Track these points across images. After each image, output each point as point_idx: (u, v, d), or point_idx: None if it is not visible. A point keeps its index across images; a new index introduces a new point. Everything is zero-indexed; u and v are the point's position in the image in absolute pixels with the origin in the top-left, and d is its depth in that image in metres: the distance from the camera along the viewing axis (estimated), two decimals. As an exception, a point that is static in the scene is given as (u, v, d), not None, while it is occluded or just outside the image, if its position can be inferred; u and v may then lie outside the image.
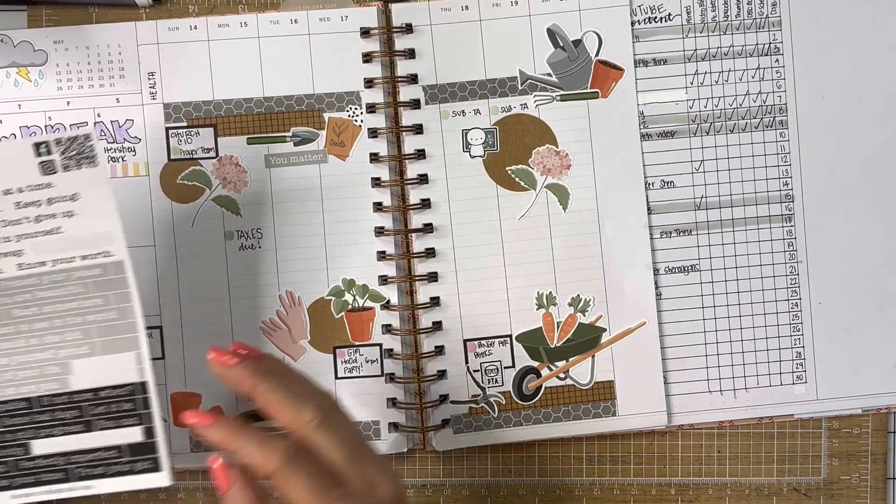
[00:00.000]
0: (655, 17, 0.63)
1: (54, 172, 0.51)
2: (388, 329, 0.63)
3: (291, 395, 0.50)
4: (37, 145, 0.51)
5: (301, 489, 0.49)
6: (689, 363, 0.64)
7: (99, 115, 0.63)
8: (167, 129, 0.63)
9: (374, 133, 0.63)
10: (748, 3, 0.63)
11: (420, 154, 0.63)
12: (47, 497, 0.56)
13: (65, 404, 0.54)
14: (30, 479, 0.56)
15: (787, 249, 0.64)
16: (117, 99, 0.63)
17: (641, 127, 0.64)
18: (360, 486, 0.50)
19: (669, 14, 0.63)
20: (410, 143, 0.63)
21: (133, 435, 0.54)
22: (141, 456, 0.54)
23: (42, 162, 0.51)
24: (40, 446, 0.55)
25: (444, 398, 0.63)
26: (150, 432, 0.54)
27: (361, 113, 0.63)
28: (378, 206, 0.63)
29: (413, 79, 0.63)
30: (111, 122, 0.63)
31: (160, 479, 0.55)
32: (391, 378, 0.63)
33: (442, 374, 0.63)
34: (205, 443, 0.51)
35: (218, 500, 0.51)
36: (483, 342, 0.63)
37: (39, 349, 0.54)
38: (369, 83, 0.63)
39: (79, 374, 0.54)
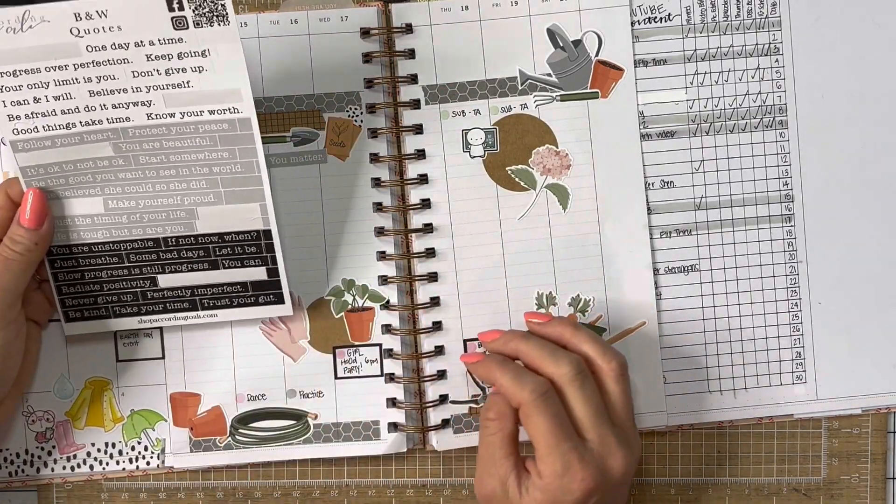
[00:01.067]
0: (655, 17, 0.63)
1: (186, 28, 0.51)
2: (387, 329, 0.63)
3: (552, 351, 0.56)
4: (169, 0, 0.51)
5: (542, 426, 0.53)
6: (689, 363, 0.64)
7: (99, 116, 0.63)
8: (167, 129, 0.63)
9: (374, 133, 0.63)
10: (748, 3, 0.63)
11: (420, 154, 0.63)
12: (173, 323, 0.61)
13: (191, 245, 0.58)
14: (157, 307, 0.60)
15: (787, 249, 0.64)
16: (117, 99, 0.63)
17: (641, 127, 0.64)
18: (596, 447, 0.54)
19: (669, 14, 0.63)
20: (410, 143, 0.63)
21: (257, 274, 0.59)
22: (264, 291, 0.59)
23: (174, 17, 0.51)
24: (167, 280, 0.59)
25: (444, 398, 0.63)
26: (273, 272, 0.59)
27: (361, 113, 0.63)
28: (378, 206, 0.63)
29: (413, 79, 0.63)
30: (111, 122, 0.63)
31: (283, 310, 0.60)
32: (391, 378, 0.63)
33: (442, 374, 0.63)
34: (474, 374, 0.60)
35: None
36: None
37: (166, 195, 0.56)
38: (369, 83, 0.63)
39: (204, 219, 0.57)
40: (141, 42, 0.52)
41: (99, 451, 0.63)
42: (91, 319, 0.61)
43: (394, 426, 0.63)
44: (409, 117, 0.63)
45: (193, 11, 0.51)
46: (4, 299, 0.56)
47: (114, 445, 0.63)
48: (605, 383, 0.56)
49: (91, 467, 0.63)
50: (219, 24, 0.51)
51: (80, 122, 0.54)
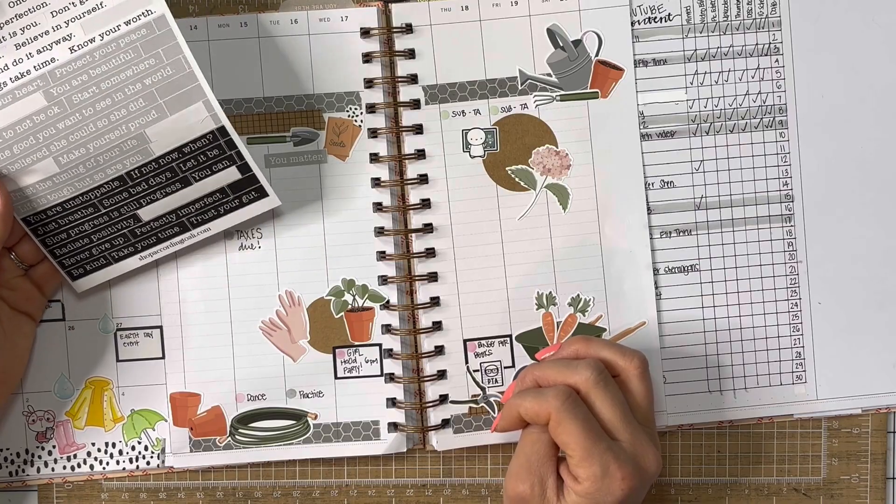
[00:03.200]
0: (655, 17, 0.63)
1: None
2: (387, 329, 0.63)
3: (567, 363, 0.55)
4: None
5: (574, 431, 0.52)
6: (689, 363, 0.64)
7: (99, 116, 0.63)
8: (167, 128, 0.63)
9: (374, 133, 0.63)
10: (748, 3, 0.63)
11: (420, 154, 0.63)
12: (171, 249, 0.61)
13: (155, 170, 0.58)
14: (151, 240, 0.60)
15: (787, 249, 0.64)
16: (117, 99, 0.63)
17: (641, 127, 0.64)
18: (629, 446, 0.54)
19: (669, 14, 0.63)
20: (410, 143, 0.63)
21: (230, 175, 0.58)
22: (244, 189, 0.59)
23: None
24: (148, 212, 0.59)
25: (444, 398, 0.63)
26: (244, 168, 0.58)
27: (361, 113, 0.63)
28: (378, 206, 0.63)
29: (413, 79, 0.63)
30: (111, 122, 0.63)
31: (271, 202, 0.60)
32: (391, 378, 0.63)
33: (442, 374, 0.63)
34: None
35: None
36: (483, 342, 0.63)
37: (111, 129, 0.56)
38: (369, 83, 0.63)
39: (157, 139, 0.57)
40: None
41: (99, 450, 0.63)
42: (94, 271, 0.61)
43: (394, 426, 0.63)
44: (409, 117, 0.63)
45: None
46: None
47: (114, 445, 0.63)
48: (628, 382, 0.56)
49: (91, 467, 0.63)
50: None
51: (11, 78, 0.55)
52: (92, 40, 0.55)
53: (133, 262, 0.61)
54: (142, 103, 0.56)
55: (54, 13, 0.55)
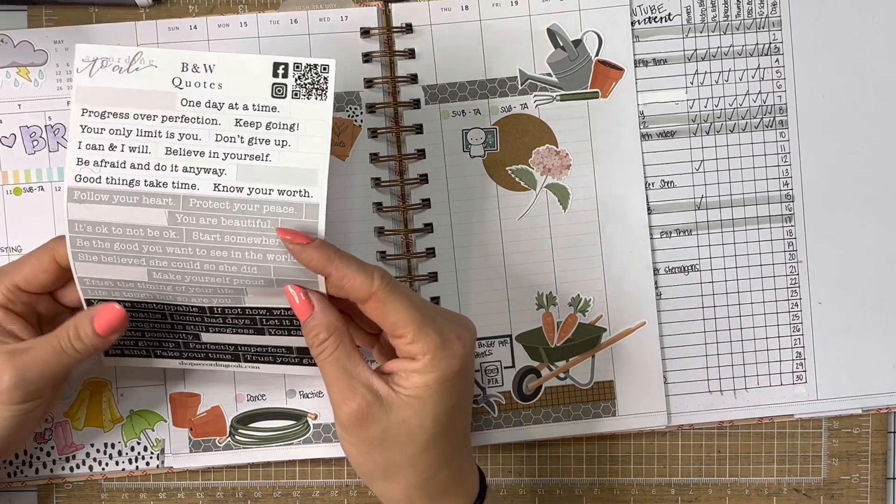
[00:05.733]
0: (655, 17, 0.63)
1: (283, 97, 0.51)
2: (387, 329, 0.63)
3: (361, 265, 0.50)
4: (276, 64, 0.51)
5: (403, 305, 0.50)
6: (689, 363, 0.64)
7: (99, 115, 0.62)
8: (167, 128, 0.63)
9: (374, 133, 0.63)
10: (748, 3, 0.63)
11: (420, 154, 0.63)
12: (212, 369, 0.59)
13: (238, 315, 0.55)
14: (199, 356, 0.58)
15: (787, 249, 0.64)
16: (117, 99, 0.62)
17: (641, 127, 0.64)
18: (443, 311, 0.52)
19: (669, 14, 0.63)
20: (410, 143, 0.63)
21: (303, 342, 0.54)
22: (308, 355, 0.55)
23: (276, 84, 0.51)
24: (210, 337, 0.57)
25: (444, 398, 0.63)
26: None
27: (361, 113, 0.63)
28: (378, 206, 0.63)
29: (413, 79, 0.63)
30: (111, 121, 0.62)
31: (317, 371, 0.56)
32: (391, 378, 0.63)
33: (442, 374, 0.63)
34: (301, 262, 0.50)
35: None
36: (483, 342, 0.63)
37: (213, 275, 0.53)
38: (369, 83, 0.63)
39: (253, 297, 0.54)
40: (235, 105, 0.51)
41: (98, 451, 0.63)
42: (131, 357, 0.59)
43: (394, 426, 0.63)
44: (409, 117, 0.63)
45: (296, 81, 0.51)
46: (44, 384, 0.54)
47: (113, 446, 0.63)
48: (384, 300, 0.51)
49: (90, 468, 0.63)
50: (316, 99, 0.51)
51: (145, 181, 0.51)
52: (240, 189, 0.51)
53: (172, 363, 0.59)
54: (255, 271, 0.52)
55: (219, 137, 0.51)
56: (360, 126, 0.63)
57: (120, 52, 0.50)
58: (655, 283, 0.64)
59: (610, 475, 0.65)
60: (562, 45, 0.63)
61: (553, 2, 0.63)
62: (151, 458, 0.63)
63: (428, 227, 0.63)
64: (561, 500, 0.65)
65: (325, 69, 0.51)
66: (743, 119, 0.64)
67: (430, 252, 0.63)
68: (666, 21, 0.63)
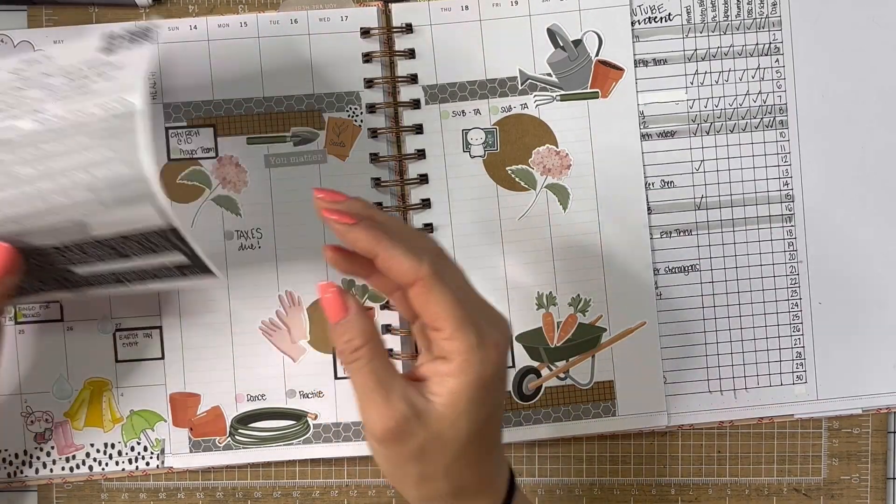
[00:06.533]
0: (655, 17, 0.63)
1: (113, 53, 0.50)
2: (387, 329, 0.63)
3: (410, 248, 0.47)
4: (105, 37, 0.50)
5: (447, 298, 0.46)
6: (689, 363, 0.64)
7: (99, 115, 0.62)
8: (167, 128, 0.63)
9: (374, 133, 0.63)
10: (748, 3, 0.63)
11: (420, 154, 0.63)
12: (106, 293, 0.57)
13: (94, 246, 0.52)
14: (84, 285, 0.56)
15: (787, 249, 0.64)
16: (117, 99, 0.62)
17: (641, 127, 0.64)
18: (484, 307, 0.49)
19: (669, 14, 0.63)
20: (410, 143, 0.63)
21: (176, 258, 0.53)
22: (189, 267, 0.54)
23: (104, 47, 0.50)
24: (84, 269, 0.55)
25: (444, 398, 0.63)
26: (193, 256, 0.53)
27: (361, 113, 0.63)
28: (378, 207, 0.63)
29: (413, 79, 0.63)
30: (111, 121, 0.62)
31: (215, 280, 0.55)
32: (391, 378, 0.63)
33: (442, 374, 0.63)
34: (347, 243, 0.47)
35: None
36: (483, 342, 0.63)
37: (48, 213, 0.50)
38: (369, 83, 0.63)
39: (98, 227, 0.51)
40: (67, 69, 0.50)
41: (98, 451, 0.63)
42: (28, 294, 0.57)
43: (394, 426, 0.63)
44: (409, 117, 0.63)
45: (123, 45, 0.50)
46: None
47: (113, 446, 0.63)
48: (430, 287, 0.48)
49: (90, 468, 0.63)
50: (143, 40, 0.50)
51: None
52: (57, 115, 0.48)
53: (65, 295, 0.57)
54: (87, 195, 0.49)
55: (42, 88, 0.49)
56: (360, 126, 0.63)
57: None
58: (655, 283, 0.64)
59: (610, 475, 0.65)
60: (562, 45, 0.63)
61: (553, 2, 0.63)
62: (151, 458, 0.63)
63: (428, 228, 0.63)
64: (561, 500, 0.65)
65: (148, 32, 0.50)
66: (743, 119, 0.64)
67: (430, 252, 0.63)
68: (666, 21, 0.63)
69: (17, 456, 0.63)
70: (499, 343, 0.47)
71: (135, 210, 0.49)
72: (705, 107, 0.64)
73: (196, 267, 0.54)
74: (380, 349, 0.48)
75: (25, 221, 0.51)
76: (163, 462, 0.63)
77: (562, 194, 0.63)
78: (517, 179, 0.63)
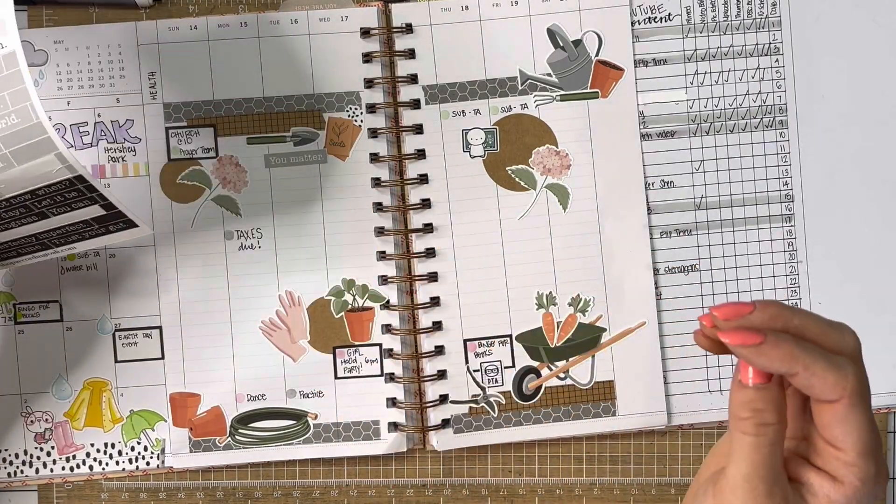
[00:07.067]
0: (655, 17, 0.63)
1: None
2: (387, 329, 0.63)
3: (830, 359, 0.41)
4: None
5: (864, 422, 0.41)
6: (689, 363, 0.64)
7: (99, 115, 0.62)
8: (167, 128, 0.63)
9: (374, 133, 0.63)
10: (748, 3, 0.63)
11: (420, 154, 0.63)
12: (34, 261, 0.56)
13: (6, 208, 0.51)
14: (11, 254, 0.55)
15: (787, 249, 0.64)
16: (117, 99, 0.63)
17: (641, 127, 0.64)
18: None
19: (669, 14, 0.63)
20: (410, 143, 0.63)
21: (93, 211, 0.51)
22: (111, 221, 0.52)
23: None
24: (4, 236, 0.53)
25: (444, 398, 0.63)
26: (109, 206, 0.51)
27: (361, 113, 0.63)
28: (378, 206, 0.63)
29: (413, 79, 0.63)
30: (111, 122, 0.63)
31: (140, 231, 0.54)
32: (391, 378, 0.63)
33: (442, 374, 0.63)
34: (758, 367, 0.41)
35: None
36: (483, 342, 0.63)
37: None
38: (369, 83, 0.63)
39: (5, 185, 0.49)
40: None
41: (98, 451, 0.63)
42: None
43: (394, 426, 0.63)
44: (409, 117, 0.63)
45: None
46: None
47: (113, 446, 0.63)
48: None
49: (90, 468, 0.63)
50: None
51: None
52: None
53: None
54: None
55: None
56: (360, 126, 0.63)
57: None
58: (655, 283, 0.64)
59: (610, 475, 0.65)
60: (562, 45, 0.63)
61: (553, 2, 0.63)
62: (151, 458, 0.63)
63: (428, 227, 0.63)
64: (561, 500, 0.65)
65: None
66: (743, 119, 0.64)
67: (430, 252, 0.63)
68: (666, 21, 0.63)
69: (17, 456, 0.63)
70: (888, 474, 0.43)
71: (38, 162, 0.48)
72: (705, 107, 0.64)
73: (119, 220, 0.52)
74: (784, 434, 0.43)
75: None
76: (163, 462, 0.63)
77: (562, 194, 0.63)
78: (517, 179, 0.63)
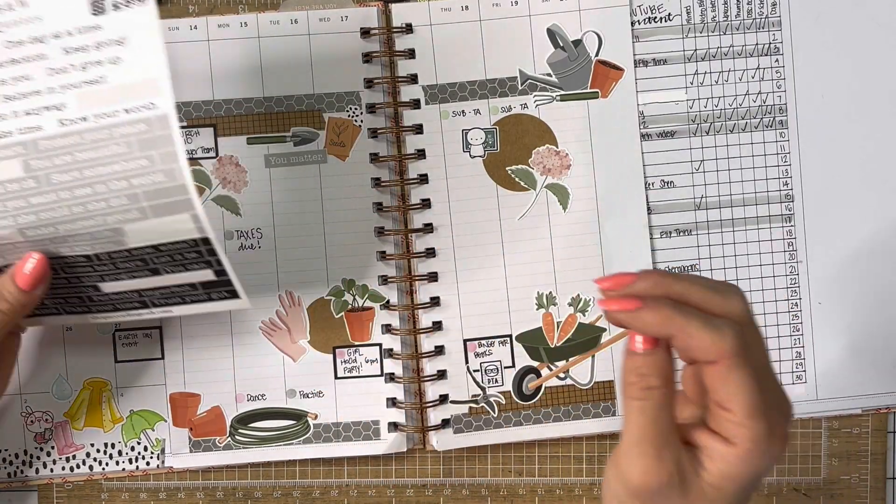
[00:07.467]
0: (655, 17, 0.63)
1: (103, 12, 0.47)
2: (387, 329, 0.63)
3: (707, 321, 0.42)
4: None
5: (747, 383, 0.41)
6: (689, 363, 0.64)
7: (99, 115, 0.62)
8: (167, 128, 0.63)
9: (374, 133, 0.63)
10: (748, 4, 0.63)
11: (420, 154, 0.63)
12: (126, 319, 0.57)
13: (126, 258, 0.52)
14: (107, 307, 0.56)
15: (787, 249, 0.64)
16: (117, 99, 0.62)
17: (641, 127, 0.64)
18: (780, 394, 0.44)
19: (669, 14, 0.63)
20: (410, 143, 0.63)
21: (204, 276, 0.53)
22: (216, 289, 0.54)
23: (93, 1, 0.47)
24: (109, 287, 0.55)
25: (444, 398, 0.63)
26: (221, 273, 0.53)
27: (361, 113, 0.63)
28: (378, 206, 0.63)
29: (413, 79, 0.63)
30: (111, 121, 0.62)
31: (241, 304, 0.55)
32: (391, 378, 0.63)
33: (442, 374, 0.63)
34: (636, 330, 0.43)
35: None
36: (483, 342, 0.63)
37: (85, 217, 0.50)
38: (369, 83, 0.63)
39: (133, 235, 0.51)
40: (59, 33, 0.47)
41: (98, 451, 0.63)
42: (42, 316, 0.58)
43: (394, 426, 0.63)
44: (409, 117, 0.63)
45: None
46: None
47: (113, 446, 0.63)
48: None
49: (91, 468, 0.63)
50: (137, 5, 0.47)
51: None
52: (85, 119, 0.48)
53: (84, 319, 0.58)
54: (124, 202, 0.49)
55: (52, 72, 0.48)
56: (360, 126, 0.63)
57: None
58: (655, 283, 0.64)
59: (610, 475, 0.65)
60: (562, 45, 0.63)
61: (553, 2, 0.63)
62: (151, 457, 0.63)
63: (428, 227, 0.63)
64: (561, 500, 0.65)
65: None
66: (743, 119, 0.64)
67: (430, 252, 0.63)
68: (666, 21, 0.63)
69: (17, 456, 0.63)
70: (785, 435, 0.43)
71: (171, 219, 0.50)
72: (705, 107, 0.64)
73: (222, 288, 0.54)
74: (672, 398, 0.43)
75: (61, 226, 0.51)
76: (163, 462, 0.63)
77: (562, 194, 0.63)
78: (517, 179, 0.63)
